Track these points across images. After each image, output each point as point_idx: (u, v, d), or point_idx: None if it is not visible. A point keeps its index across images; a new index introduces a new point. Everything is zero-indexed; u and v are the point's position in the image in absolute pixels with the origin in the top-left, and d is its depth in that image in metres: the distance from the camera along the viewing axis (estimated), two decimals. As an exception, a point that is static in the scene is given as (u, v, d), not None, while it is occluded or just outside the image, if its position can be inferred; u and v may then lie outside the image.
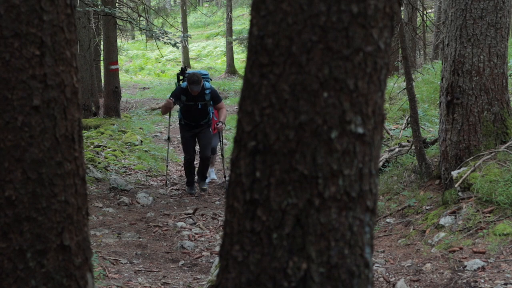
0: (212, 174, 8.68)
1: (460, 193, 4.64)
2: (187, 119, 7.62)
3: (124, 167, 9.05)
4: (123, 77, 22.04)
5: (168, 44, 10.08)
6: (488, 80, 4.93)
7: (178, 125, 7.95)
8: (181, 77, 7.84)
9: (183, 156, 8.22)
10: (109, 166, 8.77)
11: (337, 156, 1.44)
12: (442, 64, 5.29)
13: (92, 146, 9.60)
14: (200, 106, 7.49)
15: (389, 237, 4.82)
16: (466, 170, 4.69)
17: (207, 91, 7.50)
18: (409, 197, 5.31)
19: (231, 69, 25.13)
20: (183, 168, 8.81)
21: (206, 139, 7.73)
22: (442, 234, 4.36)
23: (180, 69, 7.90)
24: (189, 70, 7.83)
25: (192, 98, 7.44)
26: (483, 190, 4.43)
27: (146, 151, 10.12)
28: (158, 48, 13.46)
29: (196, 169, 7.94)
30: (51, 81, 1.71)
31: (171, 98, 7.51)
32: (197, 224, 6.36)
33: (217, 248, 5.35)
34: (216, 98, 7.65)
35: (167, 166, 8.58)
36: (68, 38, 1.75)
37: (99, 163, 8.66)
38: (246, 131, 1.50)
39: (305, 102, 1.42)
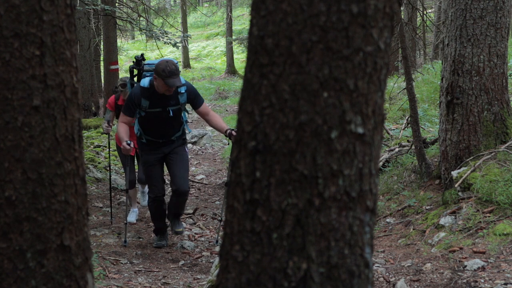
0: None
1: (460, 193, 4.64)
2: (151, 134, 5.08)
3: (124, 167, 9.05)
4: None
5: (168, 44, 10.08)
6: (488, 80, 4.92)
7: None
8: (135, 72, 5.26)
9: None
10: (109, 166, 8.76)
11: (337, 156, 1.44)
12: (442, 64, 5.29)
13: (92, 146, 9.60)
14: (172, 114, 4.93)
15: (389, 237, 4.82)
16: (466, 170, 4.69)
17: (182, 89, 4.92)
18: (409, 197, 5.31)
19: (231, 69, 25.14)
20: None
21: (181, 163, 5.14)
22: (442, 234, 4.36)
23: (134, 59, 5.24)
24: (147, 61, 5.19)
25: (159, 103, 4.89)
26: (483, 190, 4.43)
27: (146, 151, 10.11)
28: (158, 48, 13.45)
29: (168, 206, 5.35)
30: (51, 81, 1.71)
31: (126, 114, 4.94)
32: (197, 224, 6.36)
33: (217, 248, 5.34)
34: (196, 98, 5.03)
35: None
36: (68, 38, 1.75)
37: (99, 163, 8.66)
38: (246, 131, 1.50)
39: (305, 102, 1.42)
